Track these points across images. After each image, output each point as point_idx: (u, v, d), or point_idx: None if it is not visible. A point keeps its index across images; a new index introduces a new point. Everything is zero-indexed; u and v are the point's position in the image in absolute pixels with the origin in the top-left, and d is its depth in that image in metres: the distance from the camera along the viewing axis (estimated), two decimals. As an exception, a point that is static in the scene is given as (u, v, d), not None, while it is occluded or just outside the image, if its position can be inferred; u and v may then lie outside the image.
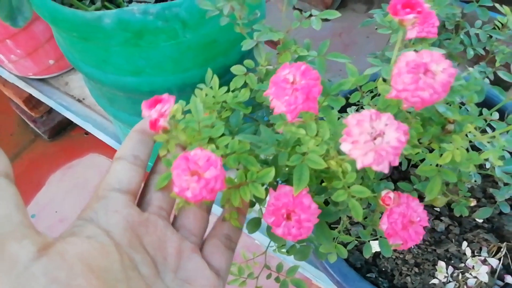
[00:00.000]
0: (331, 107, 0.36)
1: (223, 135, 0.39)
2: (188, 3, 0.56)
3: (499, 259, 0.68)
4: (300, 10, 1.81)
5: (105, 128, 1.08)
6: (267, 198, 0.34)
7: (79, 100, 1.15)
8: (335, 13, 0.49)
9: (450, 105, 0.38)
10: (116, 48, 0.62)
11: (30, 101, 1.24)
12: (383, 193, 0.35)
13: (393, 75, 0.30)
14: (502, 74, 0.47)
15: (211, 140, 0.39)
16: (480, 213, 0.64)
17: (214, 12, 0.45)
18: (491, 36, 0.61)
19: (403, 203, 0.36)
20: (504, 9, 0.61)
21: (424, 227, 0.67)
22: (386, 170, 0.25)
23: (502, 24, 0.64)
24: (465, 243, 0.68)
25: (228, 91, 0.48)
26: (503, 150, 0.36)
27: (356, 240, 0.50)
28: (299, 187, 0.32)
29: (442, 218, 0.70)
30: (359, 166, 0.25)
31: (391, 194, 0.34)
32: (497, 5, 0.61)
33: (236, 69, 0.49)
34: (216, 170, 0.28)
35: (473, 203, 0.59)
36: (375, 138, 0.25)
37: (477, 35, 0.61)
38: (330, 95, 0.34)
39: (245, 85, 0.49)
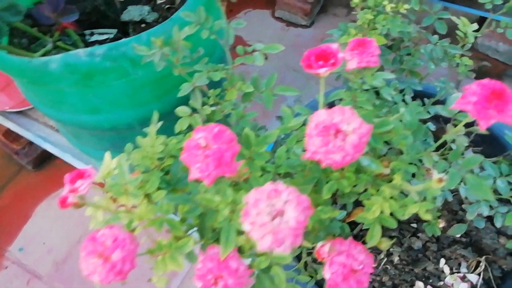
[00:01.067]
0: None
1: (159, 188, 0.38)
2: (136, 41, 0.55)
3: (479, 274, 0.66)
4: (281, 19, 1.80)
5: (83, 158, 1.07)
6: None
7: (57, 130, 1.14)
8: (278, 47, 0.47)
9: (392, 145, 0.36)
10: (68, 89, 0.61)
11: (10, 134, 1.23)
12: (318, 245, 0.33)
13: (306, 135, 0.28)
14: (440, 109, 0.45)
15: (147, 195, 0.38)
16: (454, 229, 0.63)
17: (150, 58, 0.44)
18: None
19: (343, 252, 0.35)
20: (462, 21, 0.60)
21: (401, 245, 0.65)
22: (287, 251, 0.23)
23: (464, 35, 0.62)
24: (442, 260, 0.66)
25: (180, 132, 0.47)
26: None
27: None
28: (226, 250, 0.30)
29: (419, 234, 0.69)
30: (258, 248, 0.23)
31: (326, 247, 0.33)
32: (453, 18, 0.60)
33: (180, 110, 0.48)
34: (123, 251, 0.27)
35: (442, 224, 0.57)
36: (274, 218, 0.24)
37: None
38: (255, 151, 0.33)
39: (190, 127, 0.48)
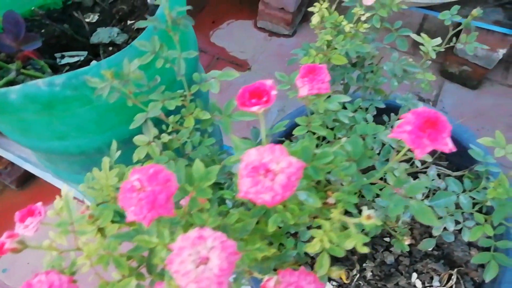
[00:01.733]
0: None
1: (114, 222, 0.38)
2: (95, 70, 0.55)
3: (451, 287, 0.66)
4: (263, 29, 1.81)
5: (64, 177, 1.07)
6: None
7: (37, 150, 1.14)
8: (234, 74, 0.47)
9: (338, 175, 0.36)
10: (32, 118, 0.61)
11: (-9, 154, 1.23)
12: (264, 280, 0.33)
13: (238, 174, 0.28)
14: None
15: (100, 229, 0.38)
16: (424, 244, 0.63)
17: (101, 91, 0.44)
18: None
19: (292, 283, 0.35)
20: (424, 38, 0.60)
21: (374, 260, 0.65)
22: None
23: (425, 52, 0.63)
24: (414, 275, 0.66)
25: (137, 162, 0.47)
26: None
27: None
28: (167, 289, 0.30)
29: (392, 248, 0.69)
30: (183, 296, 0.23)
31: (272, 282, 0.33)
32: (413, 35, 0.60)
33: (137, 139, 0.48)
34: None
35: (407, 241, 0.58)
36: (199, 265, 0.24)
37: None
38: (198, 187, 0.33)
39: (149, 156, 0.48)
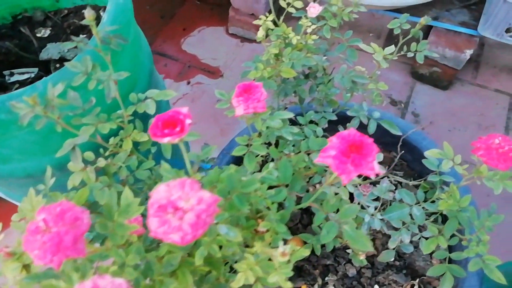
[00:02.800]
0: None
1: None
2: (29, 92, 0.53)
3: (414, 298, 0.65)
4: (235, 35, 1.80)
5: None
6: None
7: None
8: (171, 94, 0.46)
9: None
10: (-29, 142, 0.57)
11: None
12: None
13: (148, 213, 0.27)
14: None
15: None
16: (383, 256, 0.62)
17: (25, 118, 0.41)
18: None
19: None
20: (373, 47, 0.59)
21: (337, 273, 0.64)
22: None
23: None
24: (376, 287, 0.65)
25: (72, 189, 0.45)
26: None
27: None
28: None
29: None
30: None
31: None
32: (362, 45, 0.59)
33: (72, 165, 0.45)
34: None
35: (362, 256, 0.57)
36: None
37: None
38: (117, 222, 0.31)
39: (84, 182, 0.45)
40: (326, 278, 0.67)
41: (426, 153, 0.50)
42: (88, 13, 0.40)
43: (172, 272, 0.35)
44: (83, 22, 0.41)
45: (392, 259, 0.68)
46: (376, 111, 0.67)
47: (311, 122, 0.59)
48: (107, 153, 0.46)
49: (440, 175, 0.58)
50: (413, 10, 1.50)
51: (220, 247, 0.34)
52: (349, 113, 0.59)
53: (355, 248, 0.33)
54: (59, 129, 0.44)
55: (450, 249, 0.55)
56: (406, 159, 0.77)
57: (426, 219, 0.56)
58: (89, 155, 0.46)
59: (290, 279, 0.66)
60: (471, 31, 1.43)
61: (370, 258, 0.69)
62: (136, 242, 0.34)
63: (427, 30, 1.59)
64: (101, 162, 0.45)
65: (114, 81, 0.44)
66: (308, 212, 0.71)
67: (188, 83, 1.67)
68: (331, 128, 0.66)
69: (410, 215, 0.53)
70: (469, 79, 1.67)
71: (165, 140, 0.29)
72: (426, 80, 1.63)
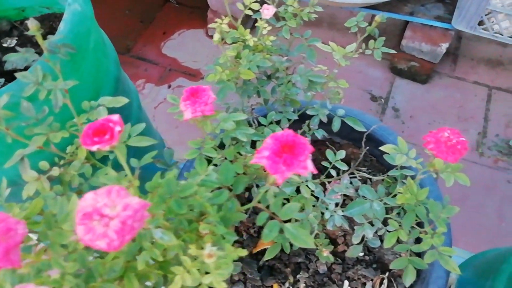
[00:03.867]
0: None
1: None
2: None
3: (383, 292, 0.66)
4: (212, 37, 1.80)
5: None
6: None
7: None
8: (124, 101, 0.46)
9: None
10: None
11: None
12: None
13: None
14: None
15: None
16: (351, 251, 0.63)
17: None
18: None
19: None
20: (331, 46, 0.60)
21: (308, 270, 0.64)
22: None
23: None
24: (346, 282, 0.66)
25: (27, 199, 0.45)
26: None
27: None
28: None
29: (325, 257, 0.68)
30: None
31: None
32: (320, 45, 0.60)
33: (25, 175, 0.45)
34: None
35: (326, 253, 0.57)
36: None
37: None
38: (56, 231, 0.31)
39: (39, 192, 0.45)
40: (298, 276, 0.67)
41: (381, 148, 0.51)
42: (32, 24, 0.40)
43: (121, 277, 0.35)
44: (28, 33, 0.42)
45: (362, 254, 0.68)
46: (341, 108, 0.68)
47: (275, 122, 0.60)
48: (62, 162, 0.47)
49: (402, 170, 0.59)
50: (389, 6, 1.52)
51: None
52: (309, 112, 0.60)
53: (299, 244, 0.33)
54: (9, 140, 0.44)
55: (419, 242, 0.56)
56: (375, 155, 0.78)
57: (390, 214, 0.57)
58: (44, 164, 0.46)
59: (262, 278, 0.67)
60: (445, 25, 1.45)
61: (341, 254, 0.69)
62: (81, 249, 0.34)
63: (403, 25, 1.61)
64: (55, 171, 0.45)
65: (65, 90, 0.44)
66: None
67: (169, 86, 1.67)
68: (298, 127, 0.67)
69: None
70: (448, 72, 1.69)
71: (94, 148, 0.29)
72: (405, 75, 1.64)
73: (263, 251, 0.68)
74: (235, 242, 0.71)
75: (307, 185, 0.55)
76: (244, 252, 0.31)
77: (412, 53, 1.54)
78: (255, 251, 0.70)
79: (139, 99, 0.90)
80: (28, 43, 0.82)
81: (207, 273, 0.32)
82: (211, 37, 1.82)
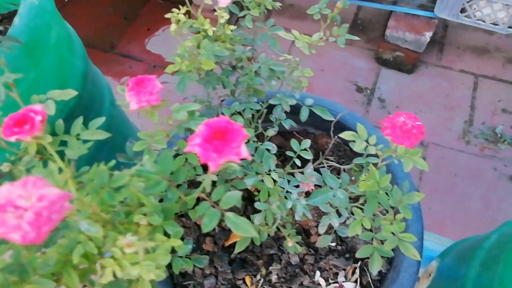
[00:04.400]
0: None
1: None
2: None
3: (356, 281, 0.66)
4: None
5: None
6: None
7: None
8: (72, 93, 0.45)
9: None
10: None
11: None
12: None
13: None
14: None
15: None
16: (321, 241, 0.62)
17: None
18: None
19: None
20: (294, 34, 0.59)
21: (280, 261, 0.64)
22: None
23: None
24: (318, 273, 0.65)
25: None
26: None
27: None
28: None
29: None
30: None
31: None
32: (282, 33, 0.59)
33: (-24, 173, 0.44)
34: None
35: (290, 243, 0.57)
36: None
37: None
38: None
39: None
40: (270, 268, 0.67)
41: (340, 135, 0.50)
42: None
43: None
44: None
45: (334, 244, 0.68)
46: (309, 97, 0.67)
47: (238, 113, 0.59)
48: (13, 158, 0.46)
49: (368, 157, 0.58)
50: (372, -4, 1.51)
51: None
52: (271, 101, 0.59)
53: (240, 233, 0.32)
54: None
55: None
56: (348, 143, 0.77)
57: (356, 202, 0.56)
58: (-5, 160, 0.45)
59: (233, 271, 0.66)
60: (429, 13, 1.44)
61: (315, 245, 0.69)
62: (16, 245, 0.33)
63: (388, 15, 1.59)
64: (5, 167, 0.44)
65: (10, 84, 0.43)
66: (253, 203, 0.71)
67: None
68: (266, 119, 0.66)
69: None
70: (434, 61, 1.68)
71: (13, 139, 0.28)
72: (391, 65, 1.63)
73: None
74: (207, 235, 0.70)
75: (269, 175, 0.54)
76: (176, 242, 0.30)
77: (396, 42, 1.53)
78: (227, 244, 0.69)
79: (113, 95, 0.89)
80: (-4, 41, 0.80)
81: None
82: (198, 32, 1.80)
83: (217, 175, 0.53)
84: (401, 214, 0.48)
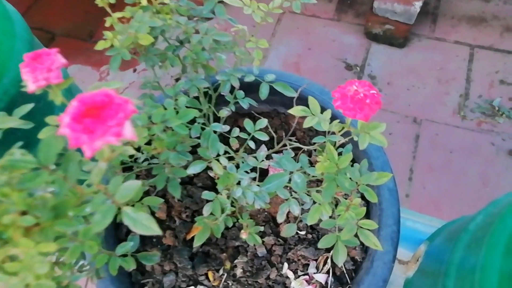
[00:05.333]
0: None
1: None
2: None
3: (328, 272, 0.60)
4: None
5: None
6: None
7: None
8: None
9: None
10: None
11: None
12: None
13: None
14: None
15: None
16: (286, 231, 0.56)
17: None
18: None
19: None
20: (243, 1, 0.52)
21: (247, 254, 0.58)
22: None
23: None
24: (286, 265, 0.60)
25: None
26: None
27: None
28: None
29: (265, 238, 0.62)
30: None
31: None
32: (229, 1, 0.52)
33: None
34: None
35: (244, 235, 0.51)
36: None
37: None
38: None
39: None
40: (236, 261, 0.61)
41: (290, 111, 0.44)
42: None
43: None
44: None
45: (304, 233, 0.62)
46: (271, 73, 0.60)
47: (184, 93, 0.53)
48: None
49: (331, 136, 0.52)
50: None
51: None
52: (218, 77, 0.53)
53: (140, 231, 0.27)
54: None
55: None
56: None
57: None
58: None
59: (194, 266, 0.61)
60: (417, -20, 1.34)
61: (259, 239, 0.63)
62: None
63: None
64: None
65: None
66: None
67: (134, 70, 1.60)
68: (222, 101, 0.60)
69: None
70: (427, 33, 1.59)
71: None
72: (381, 40, 1.55)
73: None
74: (168, 228, 0.65)
75: (218, 161, 0.48)
76: (48, 247, 0.25)
77: (385, 15, 1.45)
78: (188, 237, 0.64)
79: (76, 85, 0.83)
80: None
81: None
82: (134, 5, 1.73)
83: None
84: (358, 199, 0.41)
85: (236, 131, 0.55)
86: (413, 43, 1.57)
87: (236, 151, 0.58)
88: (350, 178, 0.44)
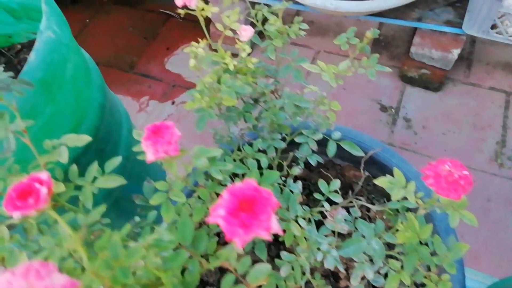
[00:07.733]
0: None
1: None
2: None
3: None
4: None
5: None
6: None
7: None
8: (87, 139, 0.42)
9: None
10: None
11: None
12: None
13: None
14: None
15: None
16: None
17: None
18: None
19: None
20: (320, 66, 0.55)
21: None
22: None
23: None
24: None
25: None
26: None
27: None
28: None
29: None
30: None
31: None
32: (306, 65, 0.55)
33: (-16, 224, 0.42)
34: None
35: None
36: None
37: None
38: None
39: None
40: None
41: (375, 181, 0.45)
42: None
43: None
44: None
45: None
46: (337, 131, 0.62)
47: (260, 151, 0.55)
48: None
49: (403, 201, 0.53)
50: (396, 13, 1.45)
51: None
52: (297, 139, 0.55)
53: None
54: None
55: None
56: (376, 175, 0.72)
57: (393, 251, 0.51)
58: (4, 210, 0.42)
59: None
60: (456, 30, 1.37)
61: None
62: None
63: (413, 31, 1.54)
64: (16, 219, 0.41)
65: (23, 130, 0.40)
66: (277, 243, 0.67)
67: (173, 103, 1.64)
68: (287, 150, 0.62)
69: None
70: (462, 78, 1.61)
71: (16, 215, 0.25)
72: (416, 83, 1.57)
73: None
74: None
75: (297, 222, 0.50)
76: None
77: (422, 60, 1.48)
78: None
79: (131, 123, 0.87)
80: (13, 70, 0.80)
81: None
82: (215, 51, 1.79)
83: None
84: (446, 275, 0.42)
85: (300, 190, 0.56)
86: (448, 88, 1.59)
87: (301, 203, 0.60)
88: (434, 250, 0.45)
